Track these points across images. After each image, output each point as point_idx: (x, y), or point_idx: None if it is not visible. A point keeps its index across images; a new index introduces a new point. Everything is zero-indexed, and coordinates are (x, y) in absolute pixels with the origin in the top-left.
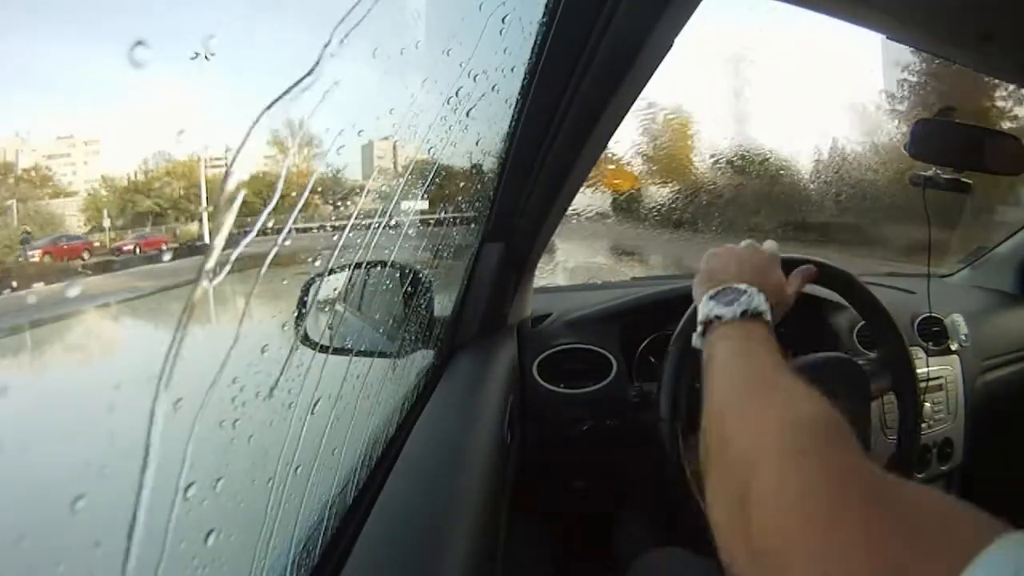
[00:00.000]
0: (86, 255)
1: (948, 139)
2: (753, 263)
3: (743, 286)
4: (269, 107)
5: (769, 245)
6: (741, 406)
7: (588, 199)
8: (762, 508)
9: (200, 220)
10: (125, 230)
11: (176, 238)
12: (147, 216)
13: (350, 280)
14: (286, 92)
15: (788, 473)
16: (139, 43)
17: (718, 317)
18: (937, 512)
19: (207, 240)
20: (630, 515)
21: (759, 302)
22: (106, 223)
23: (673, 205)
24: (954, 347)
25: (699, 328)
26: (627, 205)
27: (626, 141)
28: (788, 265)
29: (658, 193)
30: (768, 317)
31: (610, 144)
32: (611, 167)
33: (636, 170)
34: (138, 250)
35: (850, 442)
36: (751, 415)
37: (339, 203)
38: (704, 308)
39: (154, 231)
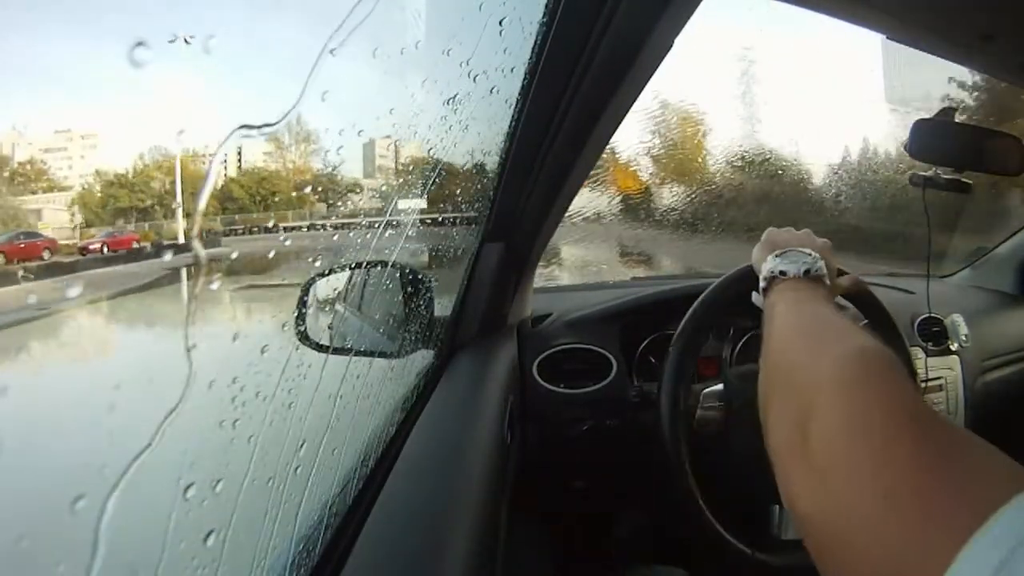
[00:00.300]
0: (47, 254)
1: (948, 139)
2: (815, 244)
3: (807, 250)
4: (239, 127)
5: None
6: (806, 338)
7: (586, 199)
8: (823, 428)
9: (195, 218)
10: (111, 225)
11: (160, 236)
12: (131, 212)
13: (350, 280)
14: (265, 125)
15: (848, 398)
16: (140, 43)
17: (783, 272)
18: (974, 456)
19: (204, 239)
20: (630, 515)
21: (821, 266)
22: (78, 219)
23: (672, 205)
24: (954, 347)
25: (762, 284)
26: (625, 205)
27: (625, 141)
28: None
29: (657, 193)
30: (827, 282)
31: (609, 144)
32: (607, 168)
33: (635, 170)
34: (105, 249)
35: (904, 375)
36: (815, 346)
37: (339, 203)
38: (769, 265)
39: (138, 228)
